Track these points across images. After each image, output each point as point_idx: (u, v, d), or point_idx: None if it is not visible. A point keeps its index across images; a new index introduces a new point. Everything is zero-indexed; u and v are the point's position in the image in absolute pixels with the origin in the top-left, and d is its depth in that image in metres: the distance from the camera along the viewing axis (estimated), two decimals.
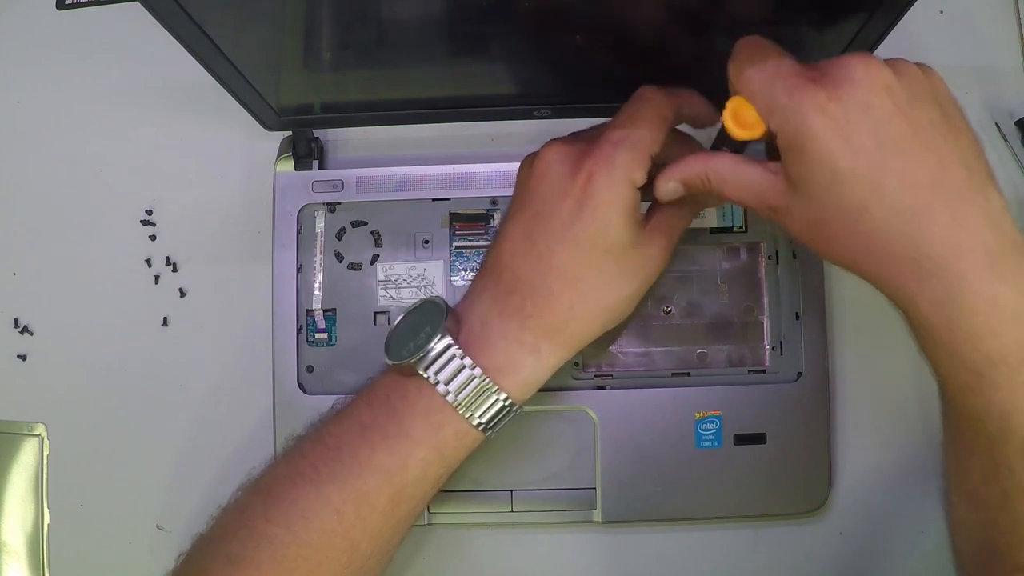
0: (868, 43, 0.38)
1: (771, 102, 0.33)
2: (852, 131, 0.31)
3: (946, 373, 0.33)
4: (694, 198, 0.38)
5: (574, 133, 0.40)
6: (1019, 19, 0.50)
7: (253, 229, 0.49)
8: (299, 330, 0.46)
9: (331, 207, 0.47)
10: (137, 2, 0.33)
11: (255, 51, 0.39)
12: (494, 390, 0.36)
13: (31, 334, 0.49)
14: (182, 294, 0.49)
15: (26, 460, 0.48)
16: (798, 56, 0.34)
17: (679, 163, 0.37)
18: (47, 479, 0.48)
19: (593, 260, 0.37)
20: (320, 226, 0.47)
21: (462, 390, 0.36)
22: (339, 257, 0.47)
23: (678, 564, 0.47)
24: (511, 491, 0.45)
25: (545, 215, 0.37)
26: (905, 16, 0.35)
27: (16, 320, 0.49)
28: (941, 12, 0.51)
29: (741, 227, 0.47)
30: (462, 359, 0.36)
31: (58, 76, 0.51)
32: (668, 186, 0.37)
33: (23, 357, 0.49)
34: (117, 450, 0.48)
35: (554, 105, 0.46)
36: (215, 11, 0.35)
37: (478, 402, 0.36)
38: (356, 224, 0.47)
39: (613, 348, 0.46)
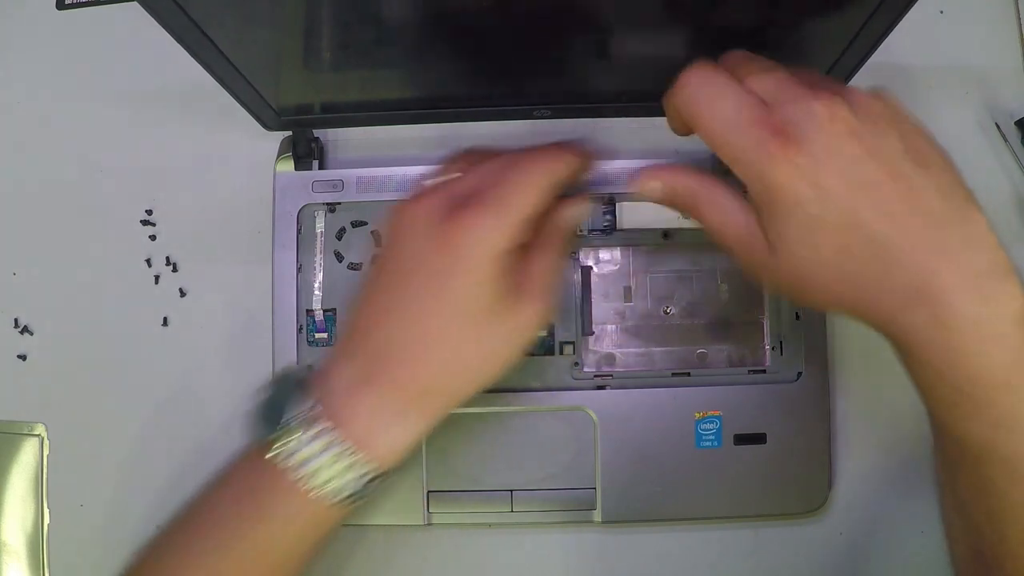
0: (868, 43, 0.38)
1: (735, 154, 0.32)
2: (821, 177, 0.31)
3: (931, 394, 0.33)
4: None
5: (447, 181, 0.37)
6: (1019, 19, 0.50)
7: (253, 229, 0.49)
8: (299, 330, 0.46)
9: (331, 207, 0.47)
10: (137, 2, 0.33)
11: (255, 51, 0.39)
12: (362, 462, 0.35)
13: (31, 334, 0.49)
14: (182, 294, 0.49)
15: (26, 460, 0.48)
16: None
17: (673, 169, 0.36)
18: (47, 479, 0.48)
19: (461, 326, 0.35)
20: (320, 226, 0.47)
21: (331, 466, 0.35)
22: (339, 257, 0.47)
23: (678, 564, 0.47)
24: (511, 491, 0.45)
25: (411, 279, 0.35)
26: (905, 16, 0.35)
27: (16, 320, 0.49)
28: (941, 12, 0.51)
29: None
30: (327, 434, 0.34)
31: (58, 76, 0.51)
32: (651, 184, 0.36)
33: (23, 357, 0.49)
34: (117, 450, 0.48)
35: (554, 105, 0.46)
36: (215, 11, 0.35)
37: (346, 476, 0.35)
38: (356, 224, 0.47)
39: (613, 348, 0.46)
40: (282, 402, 0.35)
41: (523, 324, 0.36)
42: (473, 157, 0.39)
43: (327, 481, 0.35)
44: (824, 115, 0.31)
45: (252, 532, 0.35)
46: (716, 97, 0.33)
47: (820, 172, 0.31)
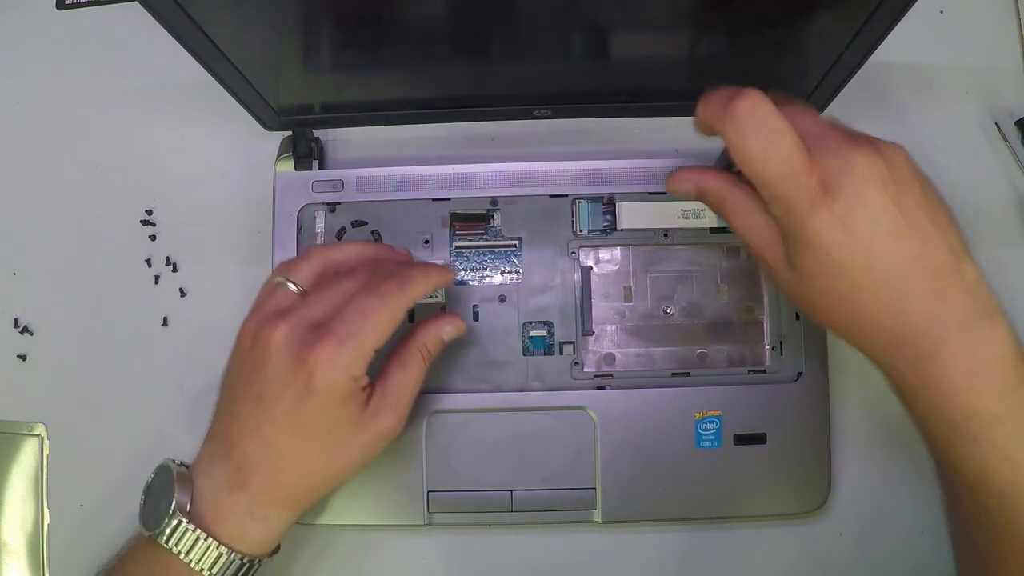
0: (868, 43, 0.38)
1: (777, 193, 0.34)
2: (851, 224, 0.34)
3: (926, 428, 0.36)
4: None
5: (301, 304, 0.39)
6: (1019, 19, 0.50)
7: (253, 229, 0.49)
8: None
9: (331, 207, 0.47)
10: (137, 2, 0.33)
11: (255, 51, 0.39)
12: (231, 555, 0.38)
13: (31, 334, 0.49)
14: (182, 294, 0.49)
15: (26, 460, 0.48)
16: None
17: (706, 172, 0.38)
18: (47, 479, 0.48)
19: (316, 443, 0.38)
20: (320, 226, 0.47)
21: (203, 558, 0.38)
22: None
23: (678, 564, 0.47)
24: (511, 491, 0.45)
25: (268, 400, 0.38)
26: (905, 16, 0.35)
27: (16, 320, 0.49)
28: (941, 12, 0.51)
29: None
30: (195, 531, 0.37)
31: (58, 76, 0.51)
32: (683, 186, 0.39)
33: (23, 357, 0.49)
34: (117, 450, 0.48)
35: (554, 105, 0.46)
36: (215, 11, 0.35)
37: (221, 565, 0.38)
38: (356, 224, 0.47)
39: (613, 348, 0.46)
40: (161, 498, 0.39)
41: (376, 436, 0.39)
42: (324, 260, 0.41)
43: (205, 564, 0.38)
44: (862, 166, 0.34)
45: None
46: (769, 140, 0.34)
47: (852, 219, 0.34)
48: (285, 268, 0.41)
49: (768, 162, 0.34)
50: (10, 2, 0.52)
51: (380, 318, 0.38)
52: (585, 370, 0.46)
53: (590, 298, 0.46)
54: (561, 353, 0.46)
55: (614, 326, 0.47)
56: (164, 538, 0.37)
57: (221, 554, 0.38)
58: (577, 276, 0.46)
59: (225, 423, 0.39)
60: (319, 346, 0.37)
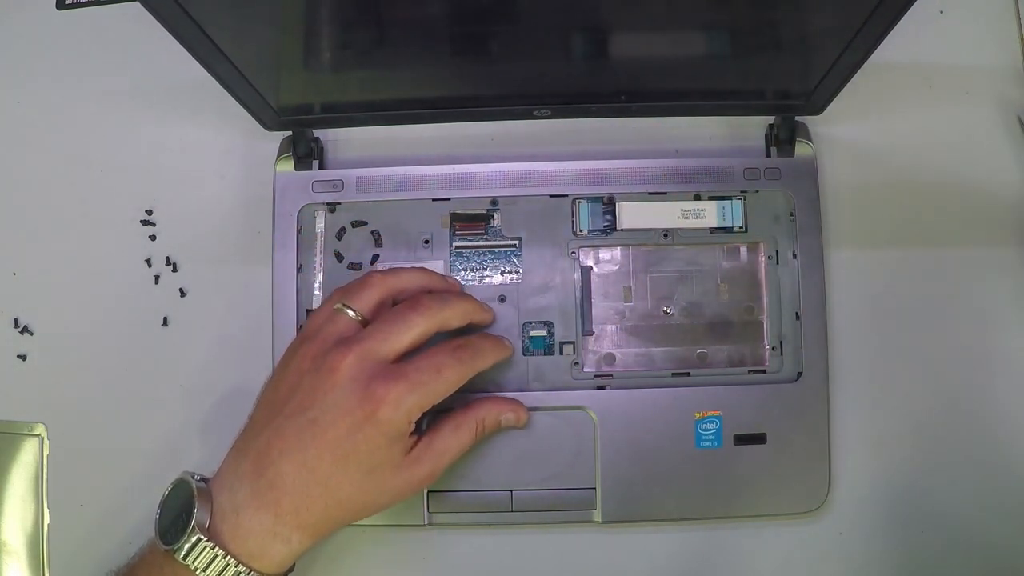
0: (868, 43, 0.38)
1: None
2: None
3: None
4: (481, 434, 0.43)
5: (367, 334, 0.40)
6: (1019, 19, 0.50)
7: (253, 229, 0.49)
8: (298, 330, 0.46)
9: (331, 207, 0.47)
10: (137, 2, 0.33)
11: (255, 51, 0.39)
12: (249, 573, 0.38)
13: (31, 334, 0.49)
14: (182, 294, 0.49)
15: (26, 460, 0.48)
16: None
17: None
18: (47, 479, 0.48)
19: (355, 477, 0.39)
20: (320, 226, 0.47)
21: (219, 574, 0.37)
22: (339, 257, 0.47)
23: (678, 564, 0.47)
24: (511, 491, 0.45)
25: (322, 425, 0.38)
26: (905, 16, 0.35)
27: (16, 320, 0.49)
28: (941, 12, 0.51)
29: (741, 227, 0.47)
30: (213, 549, 0.37)
31: (58, 76, 0.51)
32: None
33: (23, 357, 0.49)
34: (117, 450, 0.48)
35: (554, 105, 0.46)
36: (215, 11, 0.35)
37: None
38: (356, 224, 0.47)
39: (613, 348, 0.46)
40: (180, 513, 0.38)
41: (412, 482, 0.40)
42: (384, 288, 0.42)
43: None
44: None
45: None
46: None
47: None
48: (343, 294, 0.42)
49: None
50: (10, 2, 0.52)
51: (451, 379, 0.40)
52: (585, 370, 0.46)
53: (590, 298, 0.46)
54: (561, 353, 0.46)
55: (614, 326, 0.47)
56: (182, 554, 0.37)
57: (239, 572, 0.37)
58: (577, 276, 0.46)
59: (265, 440, 0.39)
60: (391, 385, 0.38)
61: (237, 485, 0.39)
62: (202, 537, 0.37)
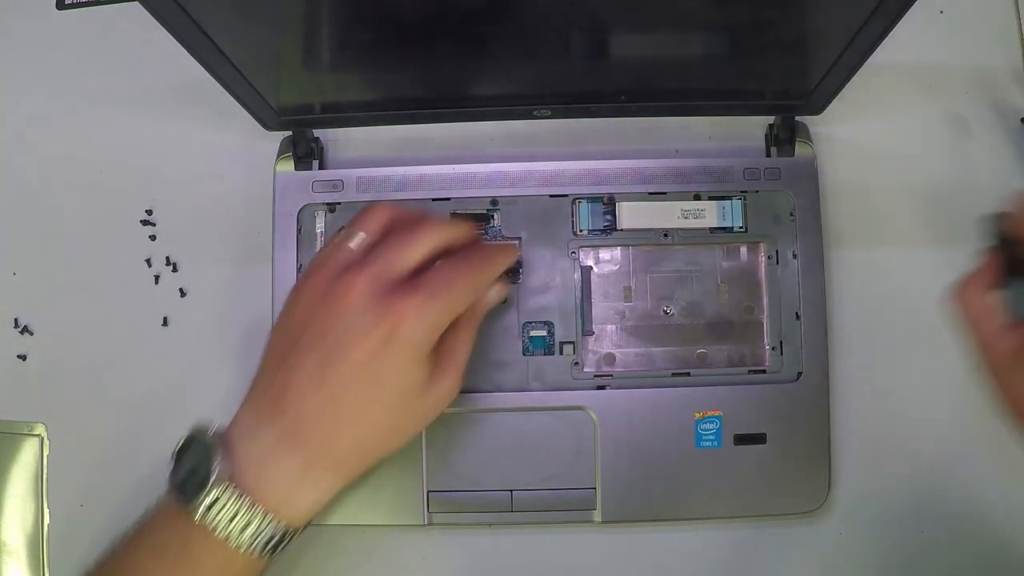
0: (868, 43, 0.38)
1: None
2: None
3: None
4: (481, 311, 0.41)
5: (379, 248, 0.38)
6: (1019, 19, 0.50)
7: (253, 229, 0.49)
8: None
9: (331, 207, 0.47)
10: (137, 2, 0.33)
11: (255, 51, 0.39)
12: (275, 525, 0.36)
13: (31, 334, 0.49)
14: (182, 294, 0.49)
15: (26, 460, 0.48)
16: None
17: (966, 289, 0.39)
18: (47, 479, 0.48)
19: (385, 401, 0.37)
20: (320, 226, 0.47)
21: (245, 529, 0.36)
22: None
23: (678, 564, 0.47)
24: (511, 491, 0.45)
25: (343, 351, 0.36)
26: (905, 16, 0.35)
27: (16, 320, 0.49)
28: (941, 12, 0.51)
29: (741, 227, 0.47)
30: (239, 500, 0.35)
31: (58, 76, 0.51)
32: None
33: (23, 357, 0.49)
34: (117, 450, 0.48)
35: (554, 105, 0.46)
36: (215, 11, 0.35)
37: (261, 537, 0.36)
38: None
39: (613, 348, 0.46)
40: (198, 467, 0.36)
41: (439, 399, 0.39)
42: (391, 215, 0.40)
43: (243, 538, 0.36)
44: None
45: None
46: None
47: None
48: (352, 224, 0.40)
49: None
50: (10, 2, 0.52)
51: (468, 286, 0.38)
52: (585, 370, 0.46)
53: (590, 298, 0.46)
54: (561, 353, 0.46)
55: (614, 326, 0.47)
56: (201, 509, 0.35)
57: (263, 524, 0.35)
58: (577, 276, 0.46)
59: (282, 379, 0.37)
60: (410, 296, 0.36)
61: (257, 431, 0.37)
62: (226, 489, 0.35)
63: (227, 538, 0.35)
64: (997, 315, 0.38)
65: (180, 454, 0.37)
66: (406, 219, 0.40)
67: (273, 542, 0.36)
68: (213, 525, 0.35)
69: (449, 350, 0.39)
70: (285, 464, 0.36)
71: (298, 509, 0.37)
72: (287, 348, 0.38)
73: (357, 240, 0.39)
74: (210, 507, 0.35)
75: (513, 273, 0.46)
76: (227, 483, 0.35)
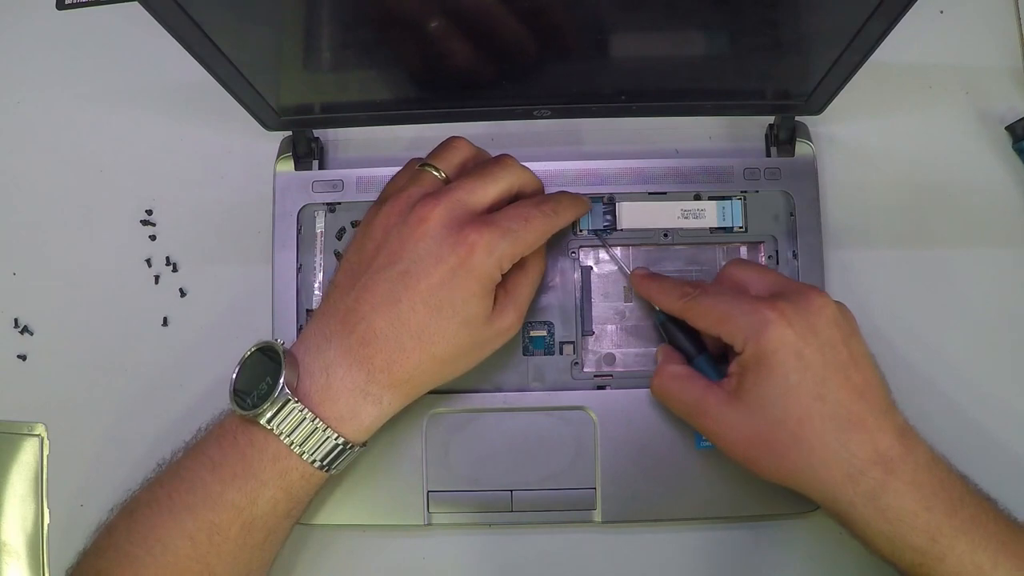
0: (868, 43, 0.38)
1: (737, 320, 0.38)
2: (804, 348, 0.37)
3: (893, 558, 0.37)
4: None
5: (456, 184, 0.40)
6: (1019, 19, 0.50)
7: (253, 229, 0.49)
8: (299, 330, 0.46)
9: (331, 207, 0.47)
10: (137, 2, 0.33)
11: (255, 51, 0.39)
12: (335, 438, 0.37)
13: (31, 334, 0.49)
14: (182, 294, 0.49)
15: (26, 460, 0.48)
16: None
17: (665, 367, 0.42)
18: (47, 479, 0.48)
19: (450, 328, 0.38)
20: (320, 226, 0.47)
21: (306, 440, 0.37)
22: (339, 257, 0.47)
23: (678, 564, 0.47)
24: (511, 491, 0.45)
25: (415, 275, 0.38)
26: (905, 16, 0.35)
27: (16, 320, 0.49)
28: (941, 12, 0.51)
29: (741, 227, 0.47)
30: (302, 412, 0.37)
31: (58, 76, 0.51)
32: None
33: (23, 357, 0.49)
34: (117, 450, 0.48)
35: (554, 105, 0.46)
36: (215, 11, 0.35)
37: (321, 448, 0.37)
38: (356, 224, 0.47)
39: (613, 348, 0.46)
40: (263, 376, 0.37)
41: (501, 331, 0.40)
42: (468, 152, 0.43)
43: (304, 449, 0.37)
44: (817, 300, 0.38)
45: (228, 494, 0.37)
46: (707, 290, 0.41)
47: (804, 344, 0.37)
48: (433, 154, 0.42)
49: (715, 299, 0.40)
50: (10, 2, 0.52)
51: (538, 228, 0.40)
52: (585, 370, 0.46)
53: (590, 298, 0.46)
54: (561, 353, 0.46)
55: (614, 326, 0.47)
56: (266, 418, 0.36)
57: (325, 436, 0.37)
58: (577, 276, 0.46)
59: (354, 298, 0.38)
60: (483, 230, 0.38)
61: (325, 345, 0.38)
62: (290, 398, 0.36)
63: (289, 446, 0.37)
64: (697, 378, 0.41)
65: (245, 365, 0.39)
66: (484, 157, 0.43)
67: (332, 455, 0.38)
68: (278, 432, 0.36)
69: (513, 288, 0.41)
70: (350, 378, 0.37)
71: (358, 424, 0.38)
72: (360, 269, 0.39)
73: (436, 173, 0.41)
74: (272, 417, 0.36)
75: None
76: (291, 394, 0.36)
